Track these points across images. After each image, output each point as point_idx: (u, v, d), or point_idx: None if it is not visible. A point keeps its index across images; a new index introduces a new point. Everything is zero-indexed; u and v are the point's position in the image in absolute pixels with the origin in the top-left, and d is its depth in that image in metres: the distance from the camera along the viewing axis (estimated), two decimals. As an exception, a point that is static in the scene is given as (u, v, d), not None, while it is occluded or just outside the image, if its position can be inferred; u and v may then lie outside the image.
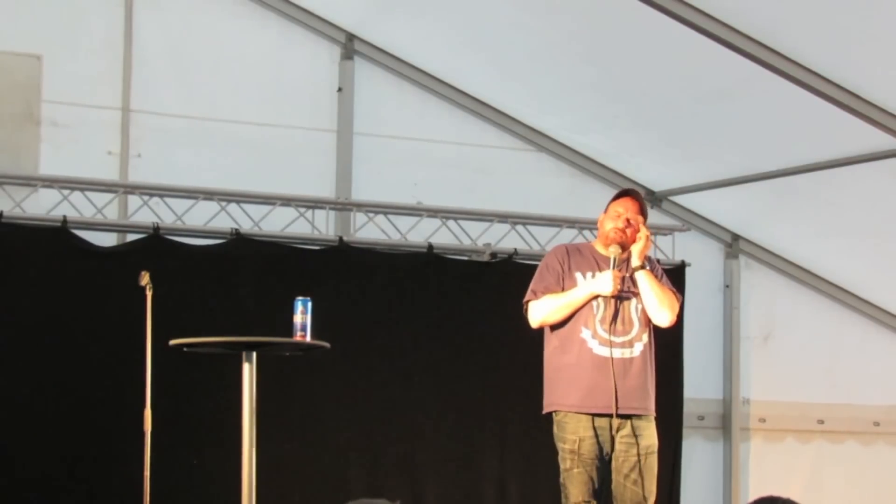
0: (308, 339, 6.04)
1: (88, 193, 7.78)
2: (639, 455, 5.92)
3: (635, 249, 6.03)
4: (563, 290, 6.01)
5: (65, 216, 7.62)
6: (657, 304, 5.99)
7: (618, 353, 5.93)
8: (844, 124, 7.41)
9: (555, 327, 6.03)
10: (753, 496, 5.32)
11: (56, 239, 7.58)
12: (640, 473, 5.92)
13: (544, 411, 6.08)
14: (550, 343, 6.09)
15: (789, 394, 9.54)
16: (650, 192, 9.26)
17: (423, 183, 8.73)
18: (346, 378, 7.96)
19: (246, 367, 6.00)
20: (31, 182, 7.76)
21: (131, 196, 8.00)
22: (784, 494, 3.91)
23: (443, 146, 8.90)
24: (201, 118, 8.37)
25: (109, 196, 7.87)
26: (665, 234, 8.90)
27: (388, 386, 8.12)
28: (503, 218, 8.61)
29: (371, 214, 8.38)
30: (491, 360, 8.30)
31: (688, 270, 8.84)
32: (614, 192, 9.04)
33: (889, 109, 7.29)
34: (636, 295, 6.02)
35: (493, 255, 8.50)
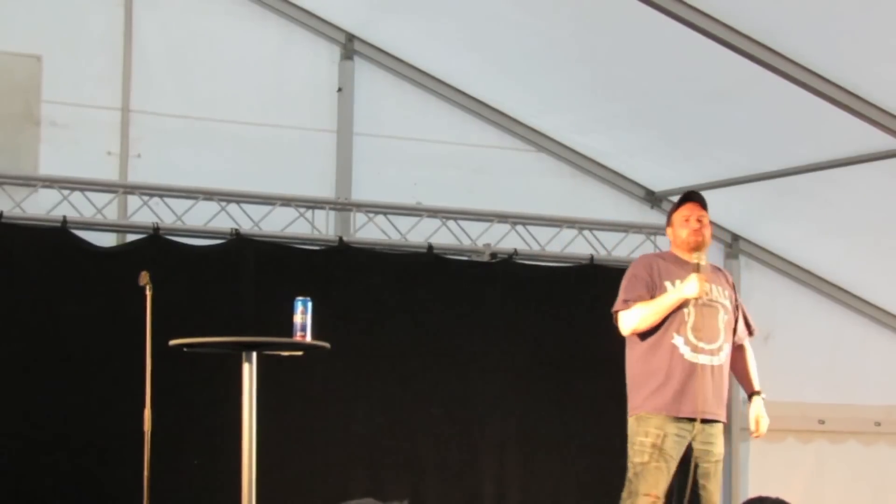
0: (308, 339, 6.03)
1: (88, 193, 7.78)
2: (710, 462, 6.04)
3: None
4: (652, 298, 6.08)
5: (65, 216, 7.62)
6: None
7: (708, 359, 6.04)
8: (844, 124, 7.41)
9: (644, 334, 6.09)
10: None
11: (56, 239, 7.58)
12: (709, 479, 6.04)
13: (630, 415, 6.13)
14: (638, 348, 6.13)
15: (790, 394, 9.52)
16: (650, 193, 9.26)
17: (423, 183, 8.73)
18: (346, 378, 7.96)
19: (246, 367, 5.99)
20: (31, 182, 7.76)
21: (131, 196, 8.00)
22: (785, 495, 3.93)
23: (443, 146, 8.90)
24: (201, 118, 8.37)
25: (109, 196, 7.87)
26: (665, 234, 8.88)
27: (388, 386, 8.12)
28: (503, 218, 8.61)
29: (371, 214, 8.38)
30: (491, 360, 8.30)
31: (688, 270, 8.83)
32: (614, 192, 9.19)
33: (889, 109, 7.29)
34: (723, 307, 6.13)
35: (493, 255, 8.50)
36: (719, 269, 6.42)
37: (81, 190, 7.76)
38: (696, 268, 6.02)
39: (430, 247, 8.37)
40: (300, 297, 6.02)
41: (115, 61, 8.26)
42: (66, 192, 7.73)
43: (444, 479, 8.22)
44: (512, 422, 8.31)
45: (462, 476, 8.27)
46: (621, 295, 6.16)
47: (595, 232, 8.77)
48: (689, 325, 6.01)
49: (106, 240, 7.90)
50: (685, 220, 6.23)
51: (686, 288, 6.00)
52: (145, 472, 6.13)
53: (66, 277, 7.58)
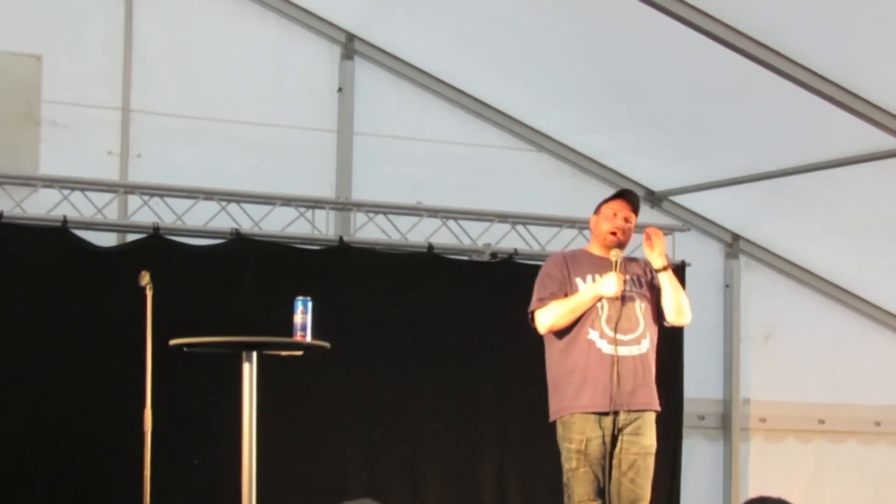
0: (308, 339, 6.04)
1: (88, 193, 7.78)
2: (637, 454, 5.97)
3: (657, 250, 6.09)
4: (566, 296, 6.05)
5: (65, 216, 7.62)
6: (679, 304, 6.16)
7: (626, 350, 6.00)
8: (844, 124, 7.41)
9: (560, 332, 6.07)
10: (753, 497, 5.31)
11: (56, 239, 7.58)
12: (638, 472, 5.96)
13: (553, 418, 6.11)
14: (555, 348, 6.11)
15: (790, 394, 9.54)
16: (650, 192, 9.26)
17: (423, 183, 8.72)
18: (346, 378, 7.96)
19: (246, 367, 6.00)
20: (31, 182, 7.76)
21: (131, 196, 8.00)
22: (785, 495, 3.91)
23: (443, 146, 8.90)
24: (201, 118, 8.37)
25: (109, 196, 7.87)
26: (665, 234, 8.87)
27: (388, 386, 8.12)
28: (503, 218, 8.61)
29: (371, 214, 8.38)
30: (491, 359, 8.30)
31: (688, 270, 8.82)
32: (614, 192, 9.11)
33: (889, 109, 7.29)
34: (640, 295, 6.09)
35: (493, 255, 8.50)
36: (632, 259, 6.35)
37: (82, 190, 7.76)
38: (615, 266, 6.01)
39: (430, 247, 8.37)
40: (300, 297, 6.02)
41: (115, 61, 8.26)
42: (66, 191, 7.72)
43: (444, 479, 8.22)
44: (512, 421, 8.31)
45: (462, 476, 8.27)
46: (536, 294, 6.15)
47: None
48: (604, 318, 6.00)
49: (106, 240, 7.90)
50: (613, 215, 6.20)
51: (604, 285, 5.99)
52: (145, 472, 6.13)
53: (66, 277, 7.58)
